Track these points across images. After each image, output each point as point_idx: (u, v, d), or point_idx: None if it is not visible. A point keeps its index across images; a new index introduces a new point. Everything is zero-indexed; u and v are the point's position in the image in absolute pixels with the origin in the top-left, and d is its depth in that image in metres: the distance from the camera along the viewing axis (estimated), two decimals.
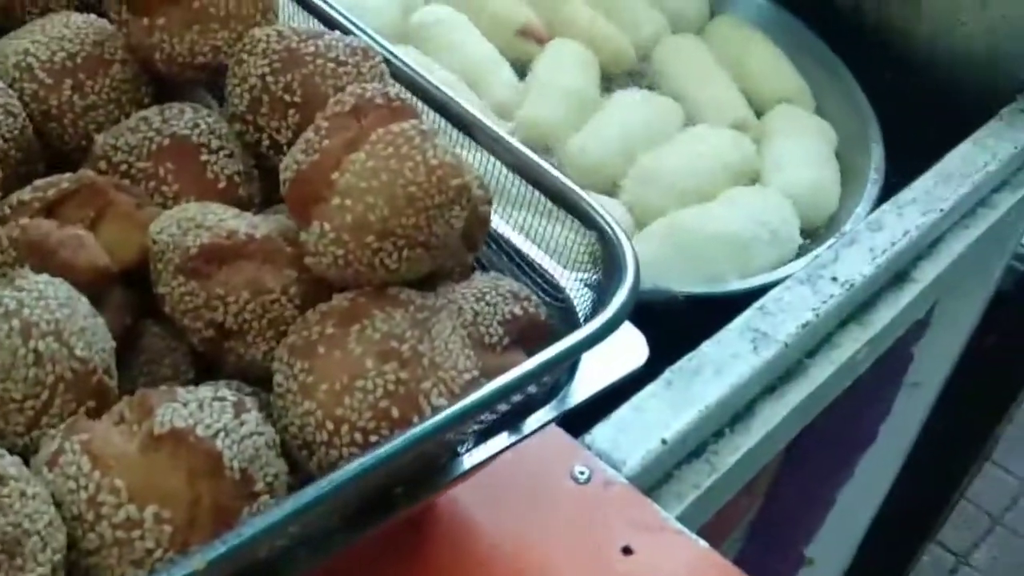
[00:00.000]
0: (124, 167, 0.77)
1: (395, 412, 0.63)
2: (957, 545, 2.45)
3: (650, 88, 1.53)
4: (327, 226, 0.66)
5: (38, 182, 0.72)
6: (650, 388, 1.01)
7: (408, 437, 0.61)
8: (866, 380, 1.25)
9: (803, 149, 1.41)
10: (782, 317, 1.11)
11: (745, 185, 1.38)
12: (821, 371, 1.14)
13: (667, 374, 1.03)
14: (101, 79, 0.81)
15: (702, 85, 1.48)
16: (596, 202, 0.78)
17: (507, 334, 0.75)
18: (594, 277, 0.81)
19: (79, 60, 0.81)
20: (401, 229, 0.66)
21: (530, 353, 0.75)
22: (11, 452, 0.57)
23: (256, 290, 0.69)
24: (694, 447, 1.02)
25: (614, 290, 0.73)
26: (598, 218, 0.78)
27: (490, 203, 0.80)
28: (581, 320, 0.79)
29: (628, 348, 0.81)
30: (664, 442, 0.97)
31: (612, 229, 0.76)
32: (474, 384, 0.66)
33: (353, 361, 0.63)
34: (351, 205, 0.66)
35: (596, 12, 1.56)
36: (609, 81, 1.52)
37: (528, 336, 0.77)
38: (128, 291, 0.73)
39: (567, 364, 0.73)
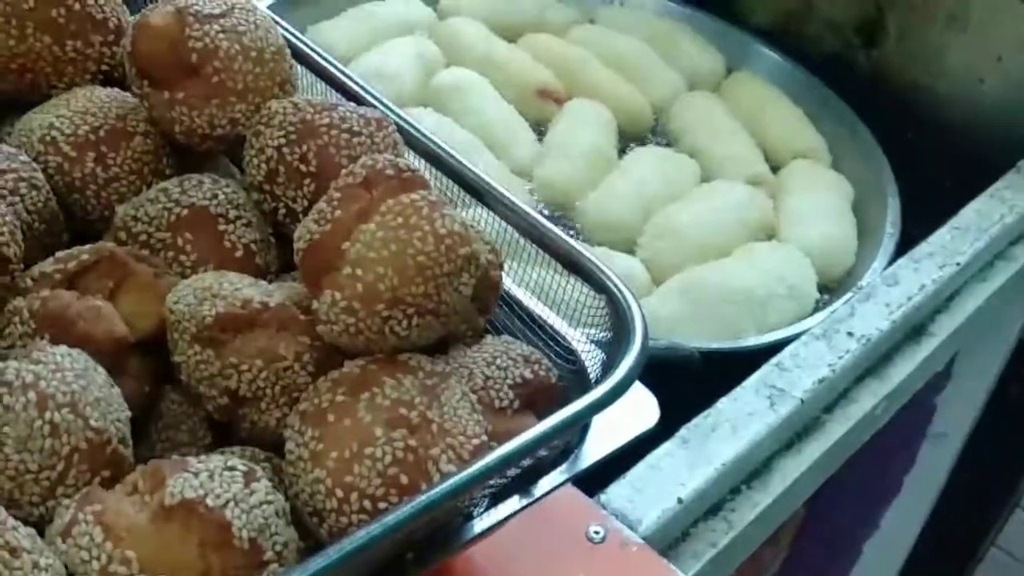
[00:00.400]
0: (144, 237, 0.79)
1: (404, 479, 0.64)
2: None
3: (667, 145, 1.54)
4: (338, 295, 0.68)
5: (60, 254, 0.75)
6: (665, 446, 1.02)
7: (417, 504, 0.62)
8: (889, 432, 1.25)
9: (820, 204, 1.42)
10: (798, 373, 1.12)
11: (762, 240, 1.38)
12: (839, 426, 1.13)
13: (683, 432, 1.04)
14: (123, 151, 0.84)
15: (718, 141, 1.50)
16: (605, 265, 0.79)
17: (517, 397, 0.76)
18: (605, 336, 0.82)
19: (102, 133, 0.84)
20: (411, 297, 0.68)
21: (540, 416, 0.76)
22: (27, 522, 0.59)
23: (270, 358, 0.70)
24: (711, 505, 1.02)
25: (623, 354, 0.74)
26: (607, 281, 0.79)
27: (501, 267, 0.81)
28: (592, 381, 0.80)
29: (640, 408, 0.82)
30: (680, 501, 0.97)
31: (621, 292, 0.77)
32: (483, 449, 0.67)
33: (362, 429, 0.65)
34: (362, 275, 0.67)
35: (613, 72, 1.58)
36: (626, 140, 1.54)
37: (539, 399, 0.78)
38: (147, 359, 0.74)
39: (576, 428, 0.74)
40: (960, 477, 1.76)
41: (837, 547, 1.66)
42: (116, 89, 0.88)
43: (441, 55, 1.57)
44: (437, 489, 0.63)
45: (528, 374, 0.77)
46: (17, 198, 0.77)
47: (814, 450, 1.11)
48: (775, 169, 1.52)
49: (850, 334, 1.16)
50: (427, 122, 1.41)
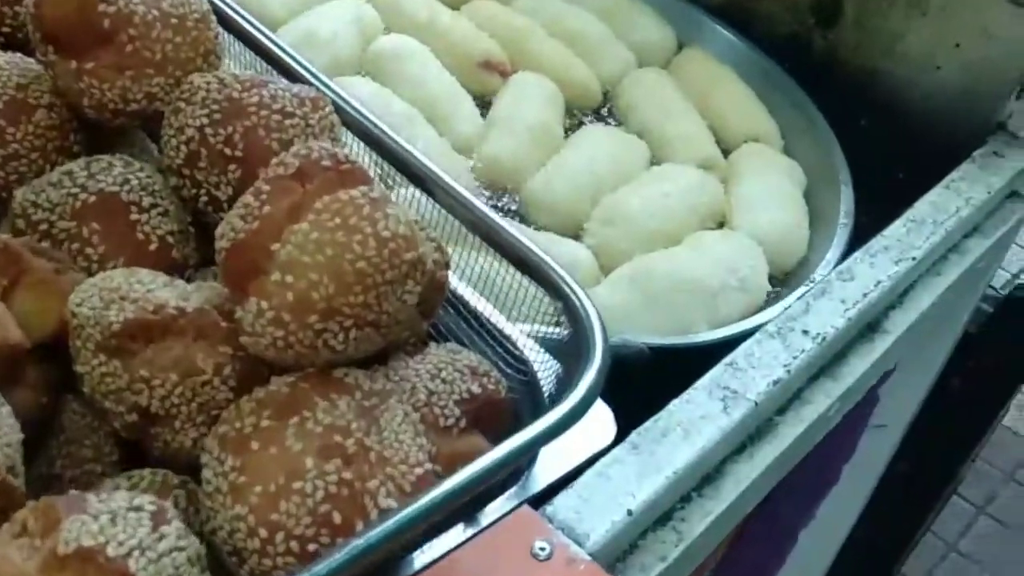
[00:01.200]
0: (45, 226, 0.70)
1: (337, 517, 0.57)
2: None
3: (615, 123, 1.48)
4: (265, 304, 0.60)
5: None
6: (615, 453, 0.95)
7: (352, 548, 0.54)
8: (835, 427, 1.21)
9: (771, 191, 1.36)
10: (752, 374, 1.06)
11: (712, 227, 1.33)
12: (792, 428, 1.08)
13: (633, 437, 0.97)
14: (24, 126, 0.75)
15: (668, 121, 1.43)
16: (561, 268, 0.72)
17: (464, 415, 0.69)
18: (557, 335, 0.75)
19: (0, 105, 0.74)
20: (348, 308, 0.60)
21: (487, 432, 0.69)
22: None
23: (185, 371, 0.62)
24: (660, 514, 0.97)
25: (582, 371, 0.67)
26: (563, 286, 0.72)
27: (448, 266, 0.74)
28: (544, 395, 0.73)
29: (595, 423, 0.76)
30: (630, 513, 0.91)
31: (580, 301, 0.70)
32: (427, 479, 0.61)
33: (291, 459, 0.57)
34: (293, 282, 0.60)
35: (561, 45, 1.50)
36: (573, 116, 1.47)
37: (487, 415, 0.71)
38: (45, 365, 0.66)
39: (527, 456, 0.67)
40: (898, 466, 1.75)
41: (776, 540, 1.63)
42: (18, 54, 0.78)
43: (380, 20, 1.48)
44: (375, 530, 0.56)
45: (476, 388, 0.70)
46: None
47: (767, 454, 1.05)
48: (726, 151, 1.46)
49: (805, 332, 1.11)
50: (363, 91, 1.33)
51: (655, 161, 1.41)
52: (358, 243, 0.60)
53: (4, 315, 0.63)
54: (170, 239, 0.72)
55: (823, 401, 1.12)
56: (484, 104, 1.43)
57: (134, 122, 0.77)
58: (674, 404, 1.02)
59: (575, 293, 0.70)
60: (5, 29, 0.80)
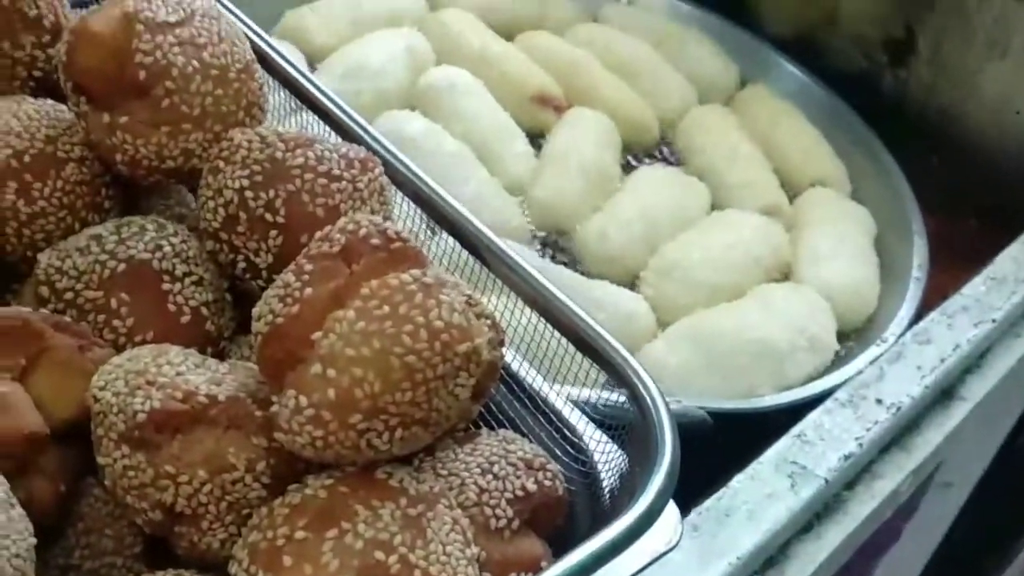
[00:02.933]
0: (70, 295, 0.65)
1: None
2: None
3: (675, 163, 1.41)
4: (304, 400, 0.54)
5: None
6: None
7: None
8: None
9: (840, 240, 1.29)
10: (822, 447, 0.99)
11: (777, 278, 1.26)
12: (862, 507, 1.02)
13: (693, 516, 0.91)
14: (52, 181, 0.69)
15: (732, 165, 1.37)
16: (629, 355, 0.66)
17: (517, 515, 0.63)
18: (617, 406, 0.69)
19: (27, 159, 0.69)
20: (395, 407, 0.54)
21: (541, 532, 0.63)
22: None
23: (216, 467, 0.57)
24: None
25: (648, 474, 0.61)
26: (630, 375, 0.65)
27: (502, 343, 0.68)
28: (605, 491, 0.67)
29: (660, 522, 0.69)
30: None
31: (648, 394, 0.64)
32: None
33: None
34: (335, 377, 0.54)
35: (618, 79, 1.44)
36: (630, 154, 1.41)
37: (542, 513, 0.64)
38: (65, 449, 0.61)
39: (591, 573, 0.60)
40: (963, 526, 1.67)
41: None
42: (49, 101, 0.73)
43: (431, 51, 1.43)
44: None
45: (531, 485, 0.63)
46: None
47: (835, 534, 0.99)
48: (791, 194, 1.39)
49: (879, 401, 1.04)
50: (415, 128, 1.28)
51: (716, 205, 1.34)
52: (408, 335, 0.54)
53: (22, 400, 0.57)
54: (204, 311, 0.67)
55: (895, 476, 1.06)
56: (537, 140, 1.37)
57: (169, 180, 0.71)
58: (738, 481, 0.95)
59: (643, 382, 0.64)
60: (36, 72, 0.75)
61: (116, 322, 0.64)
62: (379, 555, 0.52)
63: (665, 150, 1.45)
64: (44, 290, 0.65)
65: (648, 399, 0.64)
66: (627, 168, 1.39)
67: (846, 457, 0.99)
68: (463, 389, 0.57)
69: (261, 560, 0.53)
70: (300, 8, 1.43)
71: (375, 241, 0.58)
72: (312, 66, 1.37)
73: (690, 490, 0.93)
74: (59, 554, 0.61)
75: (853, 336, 1.26)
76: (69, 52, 0.68)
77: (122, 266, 0.65)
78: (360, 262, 0.57)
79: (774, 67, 1.55)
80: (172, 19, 0.68)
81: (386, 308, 0.54)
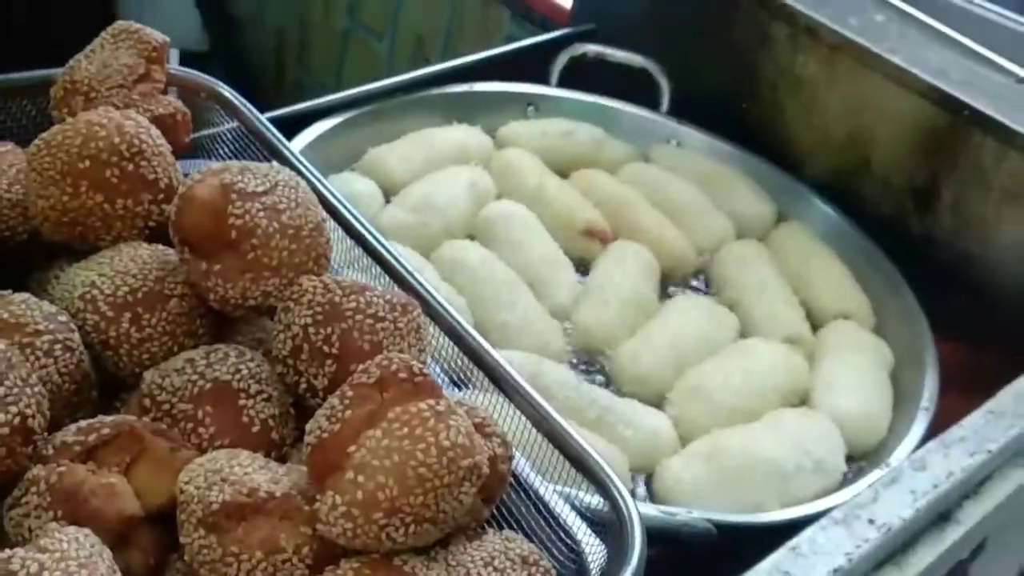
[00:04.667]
0: (167, 407, 0.82)
1: None
2: None
3: (709, 292, 1.55)
4: (339, 499, 0.70)
5: (82, 424, 0.77)
6: None
7: None
8: None
9: (856, 371, 1.40)
10: (814, 560, 1.10)
11: (794, 403, 1.38)
12: None
13: None
14: (159, 313, 0.87)
15: (760, 296, 1.50)
16: (614, 475, 0.80)
17: None
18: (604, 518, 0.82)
19: (140, 295, 0.87)
20: (409, 508, 0.69)
21: None
22: None
23: (270, 549, 0.72)
24: None
25: (620, 567, 0.74)
26: (613, 491, 0.80)
27: (511, 459, 0.83)
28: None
29: None
30: None
31: (626, 507, 0.78)
32: None
33: None
34: (363, 481, 0.69)
35: (660, 215, 1.60)
36: (669, 282, 1.55)
37: None
38: (156, 530, 0.77)
39: None
40: None
41: None
42: (160, 247, 0.92)
43: (494, 186, 1.60)
44: None
45: None
46: (51, 360, 0.81)
47: None
48: (816, 325, 1.51)
49: (871, 521, 1.15)
50: (472, 256, 1.44)
51: (744, 334, 1.47)
52: (421, 451, 0.69)
53: (125, 489, 0.74)
54: (271, 422, 0.83)
55: None
56: (585, 268, 1.52)
57: (252, 314, 0.89)
58: None
59: (623, 498, 0.78)
60: (151, 224, 0.94)
61: (201, 430, 0.81)
62: None
63: (701, 281, 1.59)
64: (147, 401, 0.82)
65: (625, 511, 0.78)
66: (666, 296, 1.53)
67: (835, 571, 1.09)
68: (466, 496, 0.72)
69: None
70: (380, 146, 1.62)
71: (402, 375, 0.73)
72: (387, 198, 1.55)
73: None
74: None
75: (865, 460, 1.37)
76: (177, 212, 0.87)
77: (209, 385, 0.82)
78: (390, 391, 0.73)
79: (810, 207, 1.67)
80: (259, 189, 0.86)
81: (405, 429, 0.70)
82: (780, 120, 1.76)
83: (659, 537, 1.00)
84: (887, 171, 1.65)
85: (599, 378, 1.40)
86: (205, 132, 1.16)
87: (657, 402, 1.36)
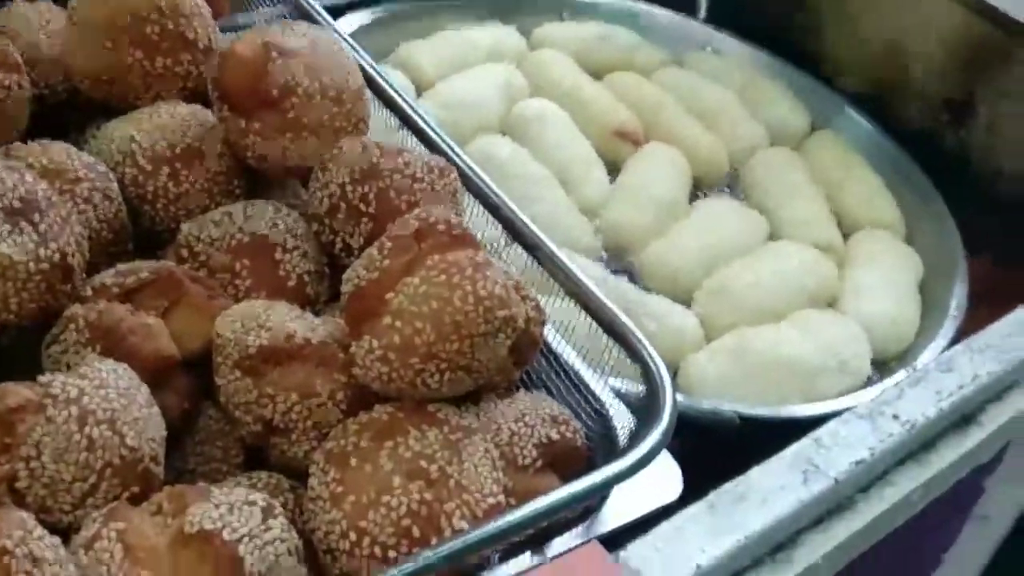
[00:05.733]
0: (204, 257, 0.82)
1: (416, 531, 0.66)
2: None
3: (740, 197, 1.54)
4: (375, 343, 0.70)
5: (121, 267, 0.78)
6: (691, 509, 1.02)
7: (426, 559, 0.64)
8: (929, 509, 1.23)
9: (886, 278, 1.40)
10: (836, 452, 1.11)
11: (822, 308, 1.38)
12: (871, 508, 1.12)
13: (711, 497, 1.04)
14: (196, 170, 0.88)
15: (791, 202, 1.49)
16: (643, 337, 0.80)
17: (541, 456, 0.77)
18: (637, 394, 0.83)
19: (178, 150, 0.87)
20: (445, 354, 0.70)
21: (563, 476, 0.77)
22: (55, 528, 0.62)
23: (305, 393, 0.73)
24: (731, 574, 1.02)
25: (649, 429, 0.75)
26: (643, 352, 0.80)
27: (543, 323, 0.83)
28: (619, 445, 0.81)
29: (665, 478, 0.83)
30: (699, 567, 0.98)
31: (656, 367, 0.78)
32: (498, 509, 0.69)
33: (381, 477, 0.67)
34: (400, 326, 0.70)
35: (693, 119, 1.58)
36: (699, 187, 1.54)
37: (562, 459, 0.79)
38: (190, 376, 0.78)
39: (590, 499, 0.75)
40: (1004, 559, 1.73)
41: None
42: (198, 106, 0.92)
43: (527, 85, 1.59)
44: (447, 545, 0.65)
45: (554, 435, 0.78)
46: (90, 207, 0.81)
47: (843, 530, 1.10)
48: (847, 234, 1.51)
49: (895, 417, 1.15)
50: (503, 151, 1.43)
51: (774, 239, 1.46)
52: (458, 299, 0.70)
53: (162, 331, 0.75)
54: (306, 277, 0.83)
55: (907, 485, 1.15)
56: (617, 170, 1.52)
57: (289, 174, 0.89)
58: (755, 471, 1.07)
59: (652, 358, 0.78)
60: (190, 84, 0.94)
61: (238, 281, 0.82)
62: (423, 463, 0.68)
63: (732, 187, 1.58)
64: (183, 251, 0.83)
65: (656, 371, 0.78)
66: (695, 200, 1.52)
67: (857, 463, 1.10)
68: (501, 347, 0.72)
69: (333, 461, 0.69)
70: (413, 41, 1.60)
71: (440, 227, 0.73)
72: (419, 93, 1.54)
73: (716, 481, 1.06)
74: (178, 459, 0.78)
75: (890, 366, 1.37)
76: (217, 68, 0.87)
77: (246, 238, 0.83)
78: (428, 242, 0.73)
79: (843, 117, 1.66)
80: (301, 48, 0.85)
81: (443, 277, 0.70)
82: (818, 30, 1.73)
83: (683, 426, 1.01)
84: (924, 83, 1.63)
85: (626, 277, 1.40)
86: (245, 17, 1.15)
87: (684, 301, 1.36)
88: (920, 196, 1.54)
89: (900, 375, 1.26)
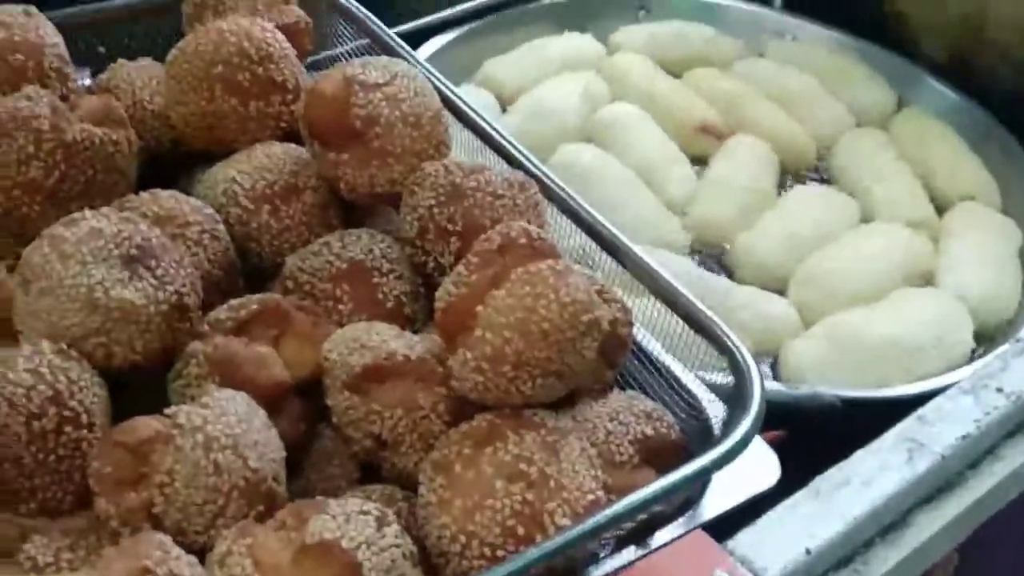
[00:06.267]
0: (308, 287, 0.88)
1: (520, 530, 0.70)
2: None
3: (829, 182, 1.55)
4: (469, 355, 0.74)
5: (233, 302, 0.84)
6: (796, 497, 1.03)
7: (531, 556, 0.67)
8: None
9: (983, 249, 1.39)
10: (941, 427, 1.11)
11: (919, 286, 1.37)
12: (982, 483, 1.12)
13: (816, 482, 1.05)
14: (295, 205, 0.93)
15: (880, 181, 1.48)
16: (727, 328, 0.83)
17: (637, 453, 0.80)
18: (727, 386, 0.85)
19: (277, 188, 0.93)
20: (535, 360, 0.74)
21: (661, 470, 0.80)
22: (190, 549, 0.67)
23: (409, 407, 0.78)
24: (840, 557, 1.03)
25: (739, 418, 0.77)
26: (728, 342, 0.82)
27: (631, 324, 0.86)
28: (715, 435, 0.83)
29: (762, 466, 0.85)
30: (808, 552, 0.99)
31: (742, 356, 0.80)
32: (597, 505, 0.73)
33: (485, 481, 0.71)
34: (491, 338, 0.74)
35: (776, 108, 1.59)
36: (787, 175, 1.55)
37: (659, 454, 0.82)
38: (304, 400, 0.83)
39: (690, 488, 0.78)
40: None
41: None
42: (292, 145, 0.97)
43: (607, 90, 1.62)
44: (551, 542, 0.68)
45: (649, 431, 0.81)
46: (200, 248, 0.87)
47: (954, 507, 1.10)
48: (941, 209, 1.49)
49: (999, 390, 1.15)
50: (585, 158, 1.46)
51: (865, 220, 1.46)
52: (543, 307, 0.73)
53: (274, 359, 0.80)
54: (403, 299, 0.88)
55: (1016, 459, 1.15)
56: (703, 166, 1.53)
57: (379, 201, 0.94)
58: (858, 454, 1.08)
59: (737, 348, 0.81)
60: (283, 124, 0.99)
61: (340, 306, 0.87)
62: (523, 466, 0.72)
63: (820, 173, 1.58)
64: (289, 283, 0.88)
65: (742, 361, 0.80)
66: (785, 190, 1.53)
67: (963, 437, 1.10)
68: (588, 350, 0.76)
69: (440, 469, 0.73)
70: (495, 59, 1.65)
71: (522, 240, 0.77)
72: (503, 108, 1.59)
73: (820, 466, 1.07)
74: (300, 479, 0.83)
75: (994, 339, 1.35)
76: (305, 107, 0.92)
77: (345, 265, 0.88)
78: (511, 255, 0.77)
79: (928, 90, 1.64)
80: (380, 80, 0.90)
81: (527, 288, 0.74)
82: (893, 3, 1.72)
83: (784, 414, 1.02)
84: (1006, 44, 1.60)
85: (717, 270, 1.41)
86: (328, 52, 1.22)
87: (777, 290, 1.37)
88: (1012, 161, 1.52)
89: (1003, 347, 1.25)
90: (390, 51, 1.13)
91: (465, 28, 1.64)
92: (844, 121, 1.61)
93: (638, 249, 0.89)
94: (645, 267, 0.88)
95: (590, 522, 0.70)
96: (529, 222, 0.88)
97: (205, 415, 0.71)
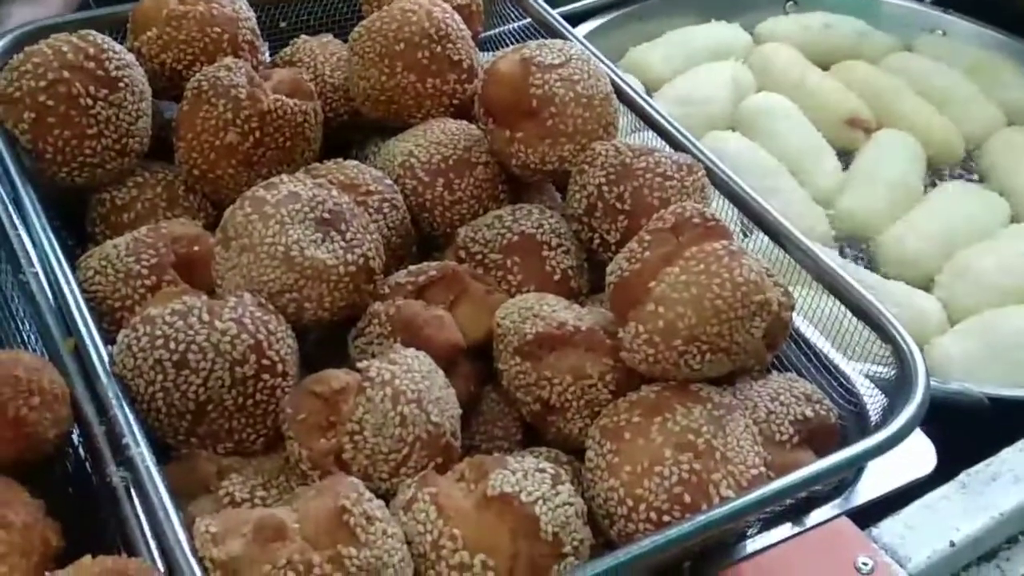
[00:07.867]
0: (479, 257, 0.92)
1: (687, 498, 0.72)
2: None
3: (976, 180, 1.53)
4: (641, 328, 0.77)
5: (412, 268, 0.88)
6: (943, 489, 1.04)
7: (697, 523, 0.70)
8: None
9: None
10: None
11: None
12: None
13: (962, 477, 1.05)
14: (467, 179, 0.97)
15: None
16: (893, 316, 0.84)
17: (797, 433, 0.82)
18: (887, 375, 0.86)
19: (451, 162, 0.97)
20: (706, 336, 0.76)
21: (818, 453, 0.82)
22: (376, 494, 0.72)
23: (578, 375, 0.81)
24: (985, 551, 1.03)
25: (903, 404, 0.79)
26: (893, 332, 0.84)
27: (792, 308, 0.88)
28: (871, 424, 0.85)
29: (917, 454, 0.86)
30: (952, 544, 1.00)
31: (907, 345, 0.82)
32: (760, 479, 0.75)
33: (654, 449, 0.74)
34: (663, 312, 0.76)
35: (925, 103, 1.58)
36: (936, 172, 1.54)
37: (817, 436, 0.84)
38: (475, 363, 0.87)
39: (850, 470, 0.79)
40: None
41: None
42: (464, 122, 1.02)
43: (754, 80, 1.62)
44: (716, 511, 0.71)
45: (809, 412, 0.83)
46: (381, 216, 0.92)
47: None
48: None
49: None
50: (732, 145, 1.47)
51: (1017, 220, 1.44)
52: (717, 285, 0.76)
53: (450, 322, 0.84)
54: (570, 272, 0.92)
55: None
56: (849, 159, 1.53)
57: (548, 178, 0.97)
58: (1007, 451, 1.08)
59: (902, 337, 0.82)
60: (456, 101, 1.04)
61: (510, 277, 0.91)
62: (690, 437, 0.74)
63: (970, 170, 1.56)
64: (462, 253, 0.92)
65: (907, 349, 0.82)
66: (931, 186, 1.52)
67: None
68: (756, 330, 0.78)
69: (609, 435, 0.76)
70: (642, 45, 1.67)
71: (696, 220, 0.80)
72: (649, 93, 1.61)
73: (967, 464, 1.07)
74: (465, 437, 0.87)
75: None
76: (483, 85, 0.96)
77: (516, 237, 0.92)
78: (684, 235, 0.79)
79: None
80: (556, 61, 0.94)
81: (702, 266, 0.77)
82: None
83: (931, 408, 1.03)
84: None
85: (862, 263, 1.41)
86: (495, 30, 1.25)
87: (922, 286, 1.36)
88: None
89: None
90: (554, 32, 1.17)
91: (611, 15, 1.66)
92: (994, 119, 1.59)
93: (802, 235, 0.90)
94: (810, 253, 0.89)
95: (755, 495, 0.72)
96: (695, 203, 0.90)
97: (393, 370, 0.75)
